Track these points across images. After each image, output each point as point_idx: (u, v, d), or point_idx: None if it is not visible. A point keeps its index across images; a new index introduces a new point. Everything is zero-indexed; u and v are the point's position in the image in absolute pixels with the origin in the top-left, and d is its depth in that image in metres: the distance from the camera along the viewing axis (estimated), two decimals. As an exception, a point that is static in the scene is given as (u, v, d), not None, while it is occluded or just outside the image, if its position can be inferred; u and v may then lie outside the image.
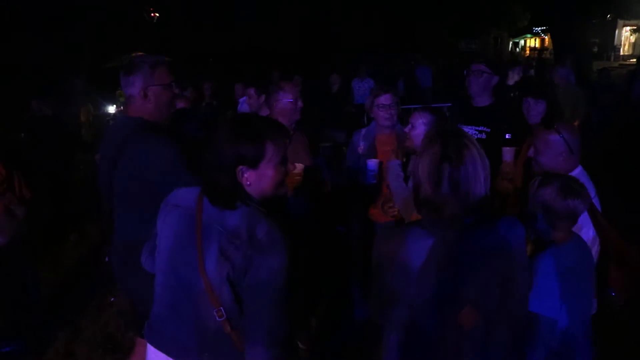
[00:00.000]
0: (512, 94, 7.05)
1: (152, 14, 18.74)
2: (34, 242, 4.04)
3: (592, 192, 2.26)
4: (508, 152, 3.26)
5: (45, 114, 6.91)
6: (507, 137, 3.39)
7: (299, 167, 3.15)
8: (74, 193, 6.48)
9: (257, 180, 1.60)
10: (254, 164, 1.58)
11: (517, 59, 20.46)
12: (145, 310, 1.88)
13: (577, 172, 2.41)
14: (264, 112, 4.00)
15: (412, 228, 1.60)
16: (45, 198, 5.07)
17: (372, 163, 3.24)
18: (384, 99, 3.35)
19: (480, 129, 3.51)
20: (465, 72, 3.64)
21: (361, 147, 3.51)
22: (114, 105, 11.44)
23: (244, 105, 5.83)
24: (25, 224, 3.69)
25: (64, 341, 3.83)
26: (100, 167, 2.50)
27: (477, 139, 3.51)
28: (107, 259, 2.59)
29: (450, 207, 1.51)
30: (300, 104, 3.32)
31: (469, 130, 3.53)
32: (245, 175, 1.58)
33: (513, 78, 7.99)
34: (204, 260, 1.56)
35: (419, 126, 2.86)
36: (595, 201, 2.29)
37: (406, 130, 2.98)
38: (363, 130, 3.60)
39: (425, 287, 1.52)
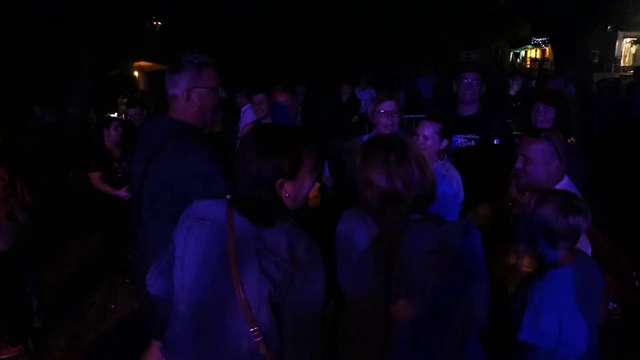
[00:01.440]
0: (513, 104, 7.06)
1: (155, 23, 18.82)
2: (35, 247, 4.04)
3: None
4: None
5: (47, 120, 6.95)
6: (495, 142, 3.43)
7: (315, 186, 3.18)
8: (77, 199, 6.50)
9: (294, 190, 1.56)
10: (292, 175, 1.54)
11: (518, 70, 20.52)
12: (160, 319, 1.82)
13: (564, 183, 2.37)
14: (269, 120, 4.04)
15: (364, 213, 1.66)
16: (47, 204, 5.07)
17: None
18: (387, 105, 3.35)
19: (469, 136, 3.53)
20: (454, 81, 3.67)
21: None
22: (116, 113, 11.48)
23: (249, 112, 5.84)
24: (27, 229, 3.70)
25: (65, 347, 3.82)
26: (133, 171, 2.39)
27: (467, 147, 3.55)
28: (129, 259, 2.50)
29: (405, 201, 1.59)
30: (293, 111, 3.36)
31: (458, 138, 3.56)
32: (285, 186, 1.54)
33: (514, 88, 8.01)
34: (240, 279, 1.48)
35: (428, 133, 2.85)
36: None
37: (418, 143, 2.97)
38: (365, 137, 3.61)
39: (363, 274, 1.60)
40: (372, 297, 1.57)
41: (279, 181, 1.52)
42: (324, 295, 1.51)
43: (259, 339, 1.48)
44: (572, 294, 1.87)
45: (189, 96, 2.22)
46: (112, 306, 4.33)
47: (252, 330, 1.47)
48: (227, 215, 1.56)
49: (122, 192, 4.40)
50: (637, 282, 2.43)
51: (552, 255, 1.96)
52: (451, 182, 2.83)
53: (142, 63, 16.31)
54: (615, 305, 2.31)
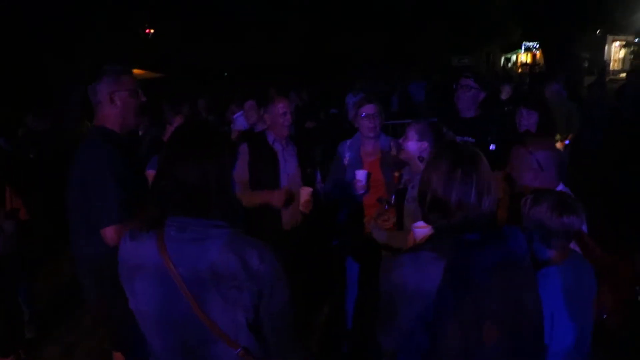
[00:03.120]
0: (505, 108, 7.11)
1: (148, 30, 18.82)
2: (28, 257, 4.02)
3: None
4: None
5: (40, 128, 6.92)
6: (491, 148, 3.45)
7: (307, 191, 3.19)
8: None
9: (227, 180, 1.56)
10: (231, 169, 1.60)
11: (509, 74, 20.63)
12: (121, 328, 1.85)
13: (558, 189, 2.37)
14: (261, 126, 4.05)
15: (419, 253, 1.55)
16: (40, 213, 5.04)
17: (361, 174, 3.25)
18: (368, 108, 3.38)
19: (465, 139, 3.55)
20: (454, 85, 3.71)
21: (346, 158, 3.53)
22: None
23: (240, 119, 5.85)
24: (15, 238, 3.67)
25: (58, 357, 3.80)
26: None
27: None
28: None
29: (460, 213, 1.53)
30: (288, 118, 3.37)
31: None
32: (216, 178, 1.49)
33: (506, 93, 8.08)
34: (208, 317, 1.42)
35: (412, 136, 2.89)
36: None
37: (400, 141, 3.01)
38: (348, 141, 3.61)
39: (446, 311, 1.49)
40: (463, 330, 1.51)
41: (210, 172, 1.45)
42: (290, 296, 1.51)
43: (244, 357, 1.47)
44: (564, 291, 1.91)
45: (112, 99, 2.37)
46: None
47: (237, 352, 1.46)
48: (162, 254, 1.44)
49: None
50: (638, 297, 2.45)
51: (545, 254, 2.00)
52: None
53: (135, 71, 16.29)
54: (606, 317, 2.31)
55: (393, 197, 3.02)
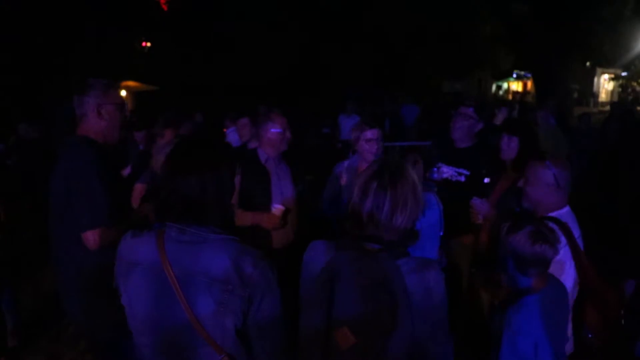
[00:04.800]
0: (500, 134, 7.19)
1: (144, 43, 18.91)
2: (11, 265, 3.98)
3: (576, 232, 2.29)
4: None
5: (32, 137, 6.90)
6: (485, 181, 3.45)
7: (279, 209, 3.20)
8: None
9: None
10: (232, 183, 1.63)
11: (501, 100, 20.90)
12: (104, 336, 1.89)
13: (564, 211, 2.43)
14: (254, 143, 4.07)
15: (329, 242, 1.66)
16: (25, 221, 5.02)
17: None
18: (371, 133, 3.43)
19: (460, 170, 3.58)
20: (453, 112, 3.72)
21: (344, 179, 3.55)
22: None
23: (233, 134, 5.88)
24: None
25: (40, 367, 3.75)
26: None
27: (456, 181, 3.59)
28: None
29: (371, 225, 1.58)
30: (288, 135, 3.39)
31: (449, 170, 3.61)
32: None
33: (499, 118, 8.16)
34: (196, 317, 1.46)
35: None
36: (580, 242, 2.31)
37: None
38: (346, 163, 3.65)
39: (311, 298, 1.58)
40: (317, 322, 1.56)
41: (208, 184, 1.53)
42: (281, 305, 1.55)
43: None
44: (545, 318, 1.95)
45: (99, 112, 2.41)
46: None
47: (221, 358, 1.48)
48: (160, 252, 1.50)
49: None
50: (622, 320, 2.49)
51: (524, 282, 2.04)
52: (434, 212, 2.90)
53: (130, 83, 16.34)
54: (591, 336, 2.34)
55: None
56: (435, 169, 3.67)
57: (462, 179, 3.54)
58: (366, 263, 1.53)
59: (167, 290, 1.47)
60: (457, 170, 3.58)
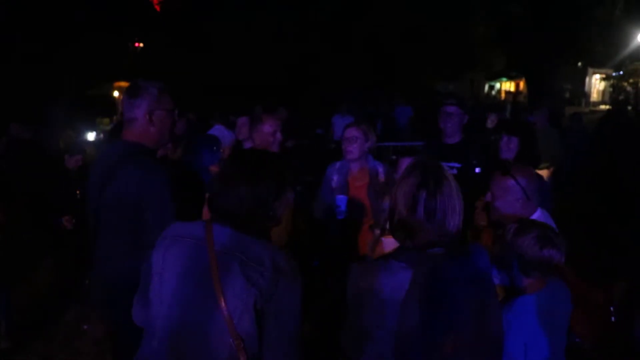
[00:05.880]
0: (492, 137, 7.24)
1: (137, 44, 18.86)
2: (6, 267, 3.96)
3: None
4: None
5: (24, 137, 6.85)
6: (477, 171, 3.50)
7: None
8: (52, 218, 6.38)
9: (279, 209, 1.71)
10: (280, 195, 1.69)
11: (494, 102, 21.02)
12: (126, 339, 1.84)
13: (537, 215, 2.40)
14: (249, 143, 4.07)
15: (389, 262, 1.60)
16: (21, 223, 4.99)
17: (340, 199, 3.31)
18: (347, 132, 3.43)
19: (451, 164, 3.60)
20: (438, 112, 3.75)
21: (334, 180, 3.55)
22: (94, 132, 11.38)
23: (220, 131, 5.90)
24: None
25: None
26: (89, 194, 2.40)
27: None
28: (86, 284, 2.54)
29: (424, 233, 1.58)
30: (278, 136, 3.39)
31: None
32: (273, 206, 1.68)
33: (492, 121, 8.21)
34: (222, 288, 1.53)
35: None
36: None
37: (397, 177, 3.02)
38: (337, 164, 3.63)
39: (409, 320, 1.53)
40: (425, 339, 1.54)
41: (268, 201, 1.65)
42: (301, 306, 1.60)
43: (240, 347, 1.52)
44: (537, 319, 1.94)
45: (150, 118, 2.31)
46: (84, 327, 4.24)
47: (233, 340, 1.51)
48: (207, 230, 1.62)
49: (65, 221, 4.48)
50: (612, 318, 2.49)
51: (523, 282, 2.03)
52: None
53: (123, 84, 16.29)
54: (579, 340, 2.35)
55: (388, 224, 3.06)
56: None
57: (454, 171, 3.57)
58: (451, 270, 1.57)
59: (202, 262, 1.57)
60: (448, 164, 3.60)
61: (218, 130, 6.06)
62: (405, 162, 2.94)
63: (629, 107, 18.95)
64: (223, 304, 1.52)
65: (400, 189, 1.64)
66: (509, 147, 3.29)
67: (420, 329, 1.53)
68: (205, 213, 3.08)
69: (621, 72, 26.74)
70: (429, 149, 3.93)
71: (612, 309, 2.48)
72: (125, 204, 2.21)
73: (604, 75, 31.56)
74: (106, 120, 14.67)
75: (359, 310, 1.61)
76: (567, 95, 26.00)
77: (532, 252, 1.97)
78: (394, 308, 1.53)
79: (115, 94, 17.12)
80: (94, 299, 2.51)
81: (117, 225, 2.27)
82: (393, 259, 1.60)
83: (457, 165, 3.59)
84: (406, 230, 1.61)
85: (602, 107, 28.25)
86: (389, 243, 2.19)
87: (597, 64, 25.82)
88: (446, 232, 1.59)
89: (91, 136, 10.75)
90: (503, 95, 36.94)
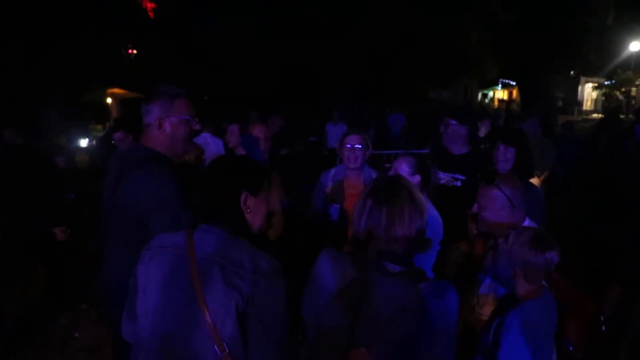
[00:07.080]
0: (482, 146, 7.25)
1: (130, 51, 18.83)
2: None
3: None
4: None
5: (17, 143, 6.81)
6: None
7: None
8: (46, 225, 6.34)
9: (254, 209, 1.70)
10: (255, 191, 1.70)
11: (486, 110, 21.10)
12: (127, 344, 1.80)
13: (526, 224, 2.40)
14: (241, 150, 4.07)
15: (345, 256, 1.66)
16: (15, 228, 4.95)
17: (333, 208, 3.33)
18: (351, 139, 3.42)
19: (455, 176, 3.60)
20: (440, 126, 3.73)
21: (328, 187, 3.55)
22: (87, 139, 11.35)
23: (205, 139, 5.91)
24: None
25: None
26: (103, 196, 2.41)
27: (452, 186, 3.60)
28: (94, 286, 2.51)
29: (375, 241, 1.59)
30: (264, 144, 3.38)
31: (445, 176, 3.62)
32: (248, 201, 1.67)
33: (483, 130, 8.23)
34: (203, 294, 1.53)
35: (403, 169, 2.87)
36: None
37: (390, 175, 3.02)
38: (332, 171, 3.63)
39: (330, 313, 1.60)
40: (335, 338, 1.57)
41: (243, 195, 1.66)
42: (285, 307, 1.59)
43: (224, 352, 1.52)
44: (543, 325, 1.96)
45: (160, 125, 2.29)
46: (77, 334, 4.20)
47: (217, 345, 1.51)
48: (187, 238, 1.63)
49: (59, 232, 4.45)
50: (603, 327, 2.49)
51: (524, 289, 2.03)
52: (431, 223, 2.88)
53: (116, 90, 16.26)
54: (571, 349, 2.35)
55: None
56: None
57: (458, 183, 3.56)
58: (392, 288, 1.54)
59: (184, 270, 1.58)
60: (452, 175, 3.60)
61: (202, 138, 6.09)
62: (400, 164, 2.91)
63: (622, 116, 19.15)
64: (206, 311, 1.52)
65: (357, 202, 1.68)
66: (506, 157, 3.28)
67: (332, 326, 1.58)
68: None
69: (613, 81, 27.04)
70: (434, 158, 3.89)
71: (602, 318, 2.48)
72: (129, 207, 2.20)
73: (596, 84, 31.85)
74: (99, 126, 14.65)
75: (308, 287, 1.72)
76: (560, 103, 26.16)
77: (536, 257, 1.97)
78: (325, 298, 1.62)
79: (109, 100, 17.08)
80: (101, 302, 2.49)
81: (121, 228, 2.26)
82: (350, 257, 1.64)
83: (461, 177, 3.58)
84: (357, 243, 1.63)
85: (595, 115, 28.52)
86: None
87: (590, 73, 26.07)
88: (395, 239, 1.59)
89: (84, 142, 10.72)
90: (496, 103, 37.18)
